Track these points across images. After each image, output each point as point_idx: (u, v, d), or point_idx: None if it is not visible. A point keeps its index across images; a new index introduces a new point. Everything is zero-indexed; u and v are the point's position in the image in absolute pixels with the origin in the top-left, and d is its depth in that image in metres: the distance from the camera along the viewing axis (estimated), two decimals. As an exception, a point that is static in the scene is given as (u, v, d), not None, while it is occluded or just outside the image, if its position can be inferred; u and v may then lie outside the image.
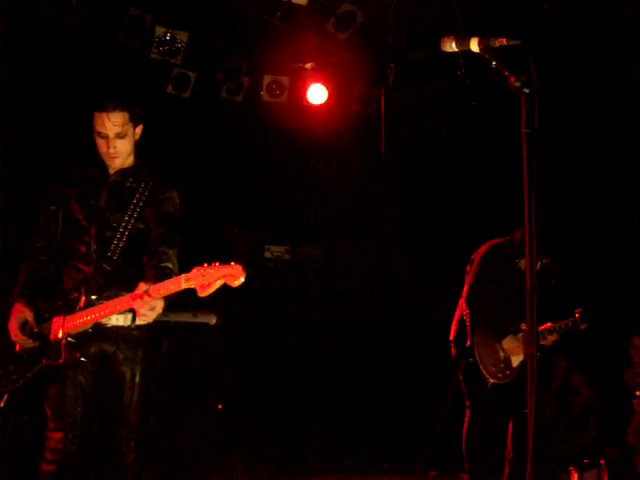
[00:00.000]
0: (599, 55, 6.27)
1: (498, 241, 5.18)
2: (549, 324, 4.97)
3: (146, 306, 3.13)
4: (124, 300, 3.22)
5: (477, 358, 4.89)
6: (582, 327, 4.99)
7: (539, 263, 4.83)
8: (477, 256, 5.16)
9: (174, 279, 3.14)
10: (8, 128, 5.66)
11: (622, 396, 6.38)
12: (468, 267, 5.20)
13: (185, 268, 3.14)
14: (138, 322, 3.36)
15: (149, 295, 3.11)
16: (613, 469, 5.73)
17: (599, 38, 6.11)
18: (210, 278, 3.00)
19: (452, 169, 7.50)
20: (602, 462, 5.68)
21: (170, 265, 3.37)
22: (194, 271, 3.05)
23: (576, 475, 5.43)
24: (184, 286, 3.07)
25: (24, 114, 5.87)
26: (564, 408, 6.81)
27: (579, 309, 5.01)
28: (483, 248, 5.18)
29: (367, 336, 7.72)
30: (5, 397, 3.44)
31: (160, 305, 3.18)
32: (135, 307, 3.15)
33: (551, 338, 4.97)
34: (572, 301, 5.13)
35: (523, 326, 4.88)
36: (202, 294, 3.04)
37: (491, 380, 4.89)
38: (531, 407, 2.50)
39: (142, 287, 3.14)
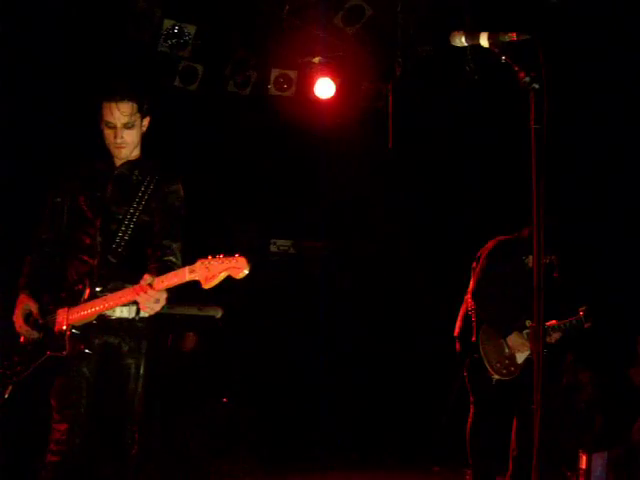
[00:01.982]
0: (605, 49, 6.24)
1: (506, 237, 5.17)
2: (554, 321, 4.96)
3: (150, 299, 3.13)
4: (128, 292, 3.21)
5: (482, 354, 4.88)
6: (586, 325, 4.99)
7: (546, 260, 4.82)
8: (484, 252, 5.14)
9: (178, 271, 3.14)
10: (14, 121, 5.66)
11: (627, 394, 6.36)
12: (474, 263, 5.19)
13: (190, 262, 3.14)
14: (142, 314, 3.36)
15: (153, 288, 3.11)
16: (617, 467, 5.70)
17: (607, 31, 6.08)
18: (214, 270, 3.00)
19: (460, 164, 7.48)
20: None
21: (174, 258, 3.38)
22: (198, 263, 3.05)
23: (585, 457, 5.37)
24: (188, 278, 3.07)
25: (31, 106, 5.87)
26: (569, 405, 6.79)
27: (583, 307, 5.00)
28: (490, 244, 5.17)
29: (372, 330, 7.72)
30: (9, 388, 3.45)
31: (164, 297, 3.17)
32: (139, 300, 3.15)
33: (555, 336, 4.96)
34: (578, 299, 5.11)
35: (528, 323, 4.87)
36: (206, 286, 3.04)
37: (495, 376, 4.88)
38: (538, 403, 2.49)
39: (146, 279, 3.14)
